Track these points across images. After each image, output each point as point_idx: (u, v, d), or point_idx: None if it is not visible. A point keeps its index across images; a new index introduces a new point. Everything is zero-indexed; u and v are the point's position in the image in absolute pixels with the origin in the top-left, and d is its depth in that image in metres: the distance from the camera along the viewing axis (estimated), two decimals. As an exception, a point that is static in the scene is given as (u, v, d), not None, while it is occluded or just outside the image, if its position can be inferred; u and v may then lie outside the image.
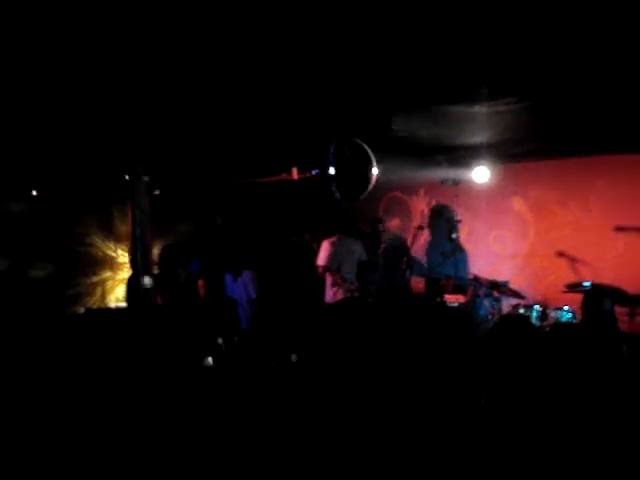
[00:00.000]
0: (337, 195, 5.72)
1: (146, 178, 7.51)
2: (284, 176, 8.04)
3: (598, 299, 7.75)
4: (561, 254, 8.93)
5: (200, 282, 9.02)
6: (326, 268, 9.02)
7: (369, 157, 5.61)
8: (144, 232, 7.54)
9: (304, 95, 5.43)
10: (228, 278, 9.34)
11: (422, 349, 5.18)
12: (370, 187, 5.66)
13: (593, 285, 8.01)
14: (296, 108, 5.74)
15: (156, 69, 4.60)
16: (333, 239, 9.25)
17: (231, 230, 10.58)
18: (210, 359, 5.83)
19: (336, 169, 5.57)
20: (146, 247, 7.55)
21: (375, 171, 5.62)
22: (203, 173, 9.38)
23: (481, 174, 8.63)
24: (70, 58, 3.97)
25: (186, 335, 6.83)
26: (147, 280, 7.04)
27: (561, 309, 7.83)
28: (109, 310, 8.79)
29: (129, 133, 6.50)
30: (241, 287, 9.32)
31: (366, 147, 5.61)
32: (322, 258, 9.06)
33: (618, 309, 8.10)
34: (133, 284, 7.77)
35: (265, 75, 4.93)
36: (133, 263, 7.59)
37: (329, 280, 9.12)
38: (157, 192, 7.63)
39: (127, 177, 7.46)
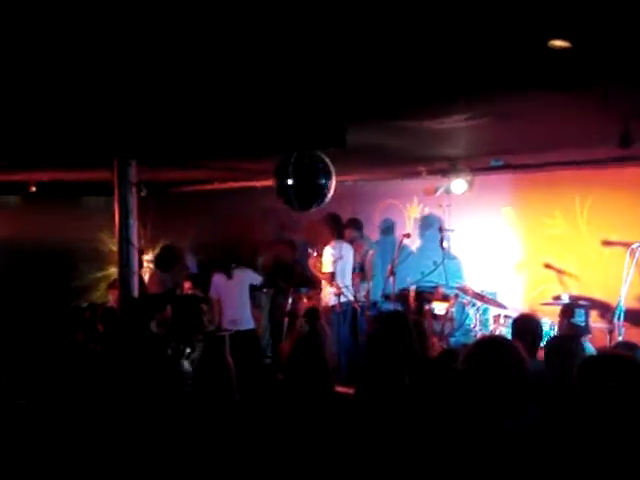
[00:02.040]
0: (295, 204, 5.86)
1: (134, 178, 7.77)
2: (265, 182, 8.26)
3: (570, 313, 7.82)
4: (548, 266, 8.95)
5: (186, 284, 9.25)
6: (333, 275, 9.19)
7: (329, 169, 5.74)
8: (131, 232, 7.80)
9: (267, 105, 5.54)
10: (220, 278, 9.38)
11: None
12: (327, 198, 5.78)
13: (570, 298, 8.06)
14: (258, 118, 5.86)
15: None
16: (334, 245, 9.43)
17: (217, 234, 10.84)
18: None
19: (295, 179, 5.71)
20: (132, 246, 7.80)
21: (333, 183, 5.75)
22: (186, 177, 9.66)
23: (458, 186, 8.69)
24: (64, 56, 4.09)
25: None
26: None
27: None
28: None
29: (118, 132, 6.69)
30: (236, 286, 9.41)
31: (326, 159, 5.73)
32: (329, 265, 9.23)
33: (602, 323, 8.17)
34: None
35: (229, 84, 5.04)
36: (119, 263, 7.83)
37: (330, 286, 9.31)
38: (144, 194, 7.86)
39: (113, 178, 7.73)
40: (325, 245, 9.53)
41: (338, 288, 9.22)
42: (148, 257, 11.40)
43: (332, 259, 9.31)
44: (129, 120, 6.07)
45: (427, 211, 10.06)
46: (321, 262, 9.48)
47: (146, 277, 11.05)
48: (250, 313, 9.44)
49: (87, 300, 11.06)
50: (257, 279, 9.42)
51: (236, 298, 9.34)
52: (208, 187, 10.76)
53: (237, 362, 7.13)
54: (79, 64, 4.21)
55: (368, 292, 9.60)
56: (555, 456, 3.21)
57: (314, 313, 7.88)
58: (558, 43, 3.34)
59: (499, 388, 3.42)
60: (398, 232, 10.05)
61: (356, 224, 9.88)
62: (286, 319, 9.86)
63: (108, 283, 9.89)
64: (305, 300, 9.89)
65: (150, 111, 5.66)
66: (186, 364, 6.18)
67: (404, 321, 5.63)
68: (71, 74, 4.49)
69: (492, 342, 3.88)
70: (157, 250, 11.38)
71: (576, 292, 8.55)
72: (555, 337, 6.60)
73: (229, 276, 9.30)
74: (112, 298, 9.12)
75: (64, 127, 6.43)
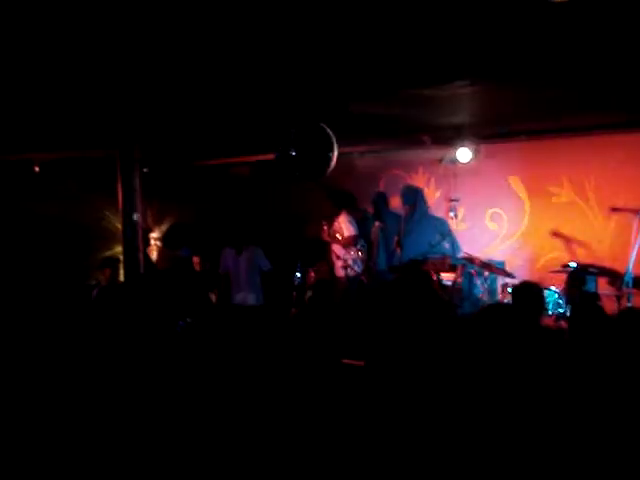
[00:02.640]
0: (297, 175, 5.82)
1: (137, 157, 7.75)
2: (261, 157, 8.21)
3: (580, 279, 7.77)
4: (556, 234, 8.88)
5: (195, 259, 9.25)
6: (357, 237, 9.20)
7: (330, 139, 5.68)
8: (134, 209, 7.78)
9: (269, 77, 5.49)
10: (230, 252, 9.40)
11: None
12: (330, 168, 5.73)
13: (578, 265, 8.01)
14: (262, 90, 5.82)
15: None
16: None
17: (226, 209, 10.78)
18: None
19: (297, 150, 5.66)
20: (135, 223, 7.80)
21: (335, 153, 5.69)
22: (187, 153, 9.59)
23: (464, 154, 8.61)
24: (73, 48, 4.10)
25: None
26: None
27: (548, 289, 7.82)
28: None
29: (122, 113, 6.66)
30: (245, 262, 9.40)
31: (327, 129, 5.67)
32: (353, 229, 9.24)
33: (610, 290, 8.13)
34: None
35: (232, 63, 5.01)
36: (123, 239, 7.84)
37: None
38: (146, 170, 7.84)
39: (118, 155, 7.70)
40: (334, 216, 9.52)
41: (358, 252, 9.24)
42: (155, 235, 11.36)
43: (350, 225, 9.34)
44: (131, 100, 6.05)
45: (433, 181, 9.96)
46: (333, 231, 9.46)
47: (153, 255, 11.03)
48: (259, 290, 9.41)
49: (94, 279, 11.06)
50: (266, 264, 9.39)
51: (244, 274, 9.32)
52: (214, 162, 10.66)
53: (241, 337, 7.17)
54: (84, 46, 4.21)
55: (375, 264, 9.57)
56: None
57: (323, 284, 7.86)
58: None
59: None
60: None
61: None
62: (294, 293, 9.82)
63: (98, 263, 9.78)
64: (312, 274, 9.85)
65: (151, 88, 5.63)
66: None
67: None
68: (80, 54, 4.49)
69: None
70: (164, 227, 11.35)
71: (584, 260, 8.50)
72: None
73: (239, 252, 9.27)
74: (103, 278, 9.07)
75: (69, 106, 6.41)
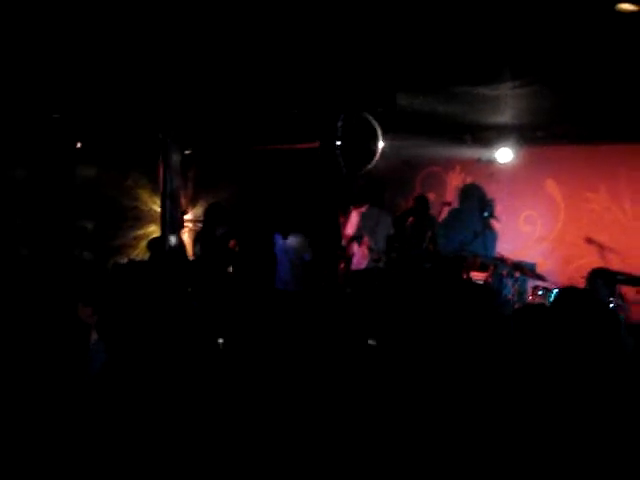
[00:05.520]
0: (342, 166, 5.89)
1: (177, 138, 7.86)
2: (307, 145, 8.27)
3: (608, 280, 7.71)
4: (590, 240, 8.87)
5: (232, 241, 9.31)
6: (352, 237, 9.25)
7: (375, 131, 5.74)
8: (174, 189, 7.90)
9: (317, 68, 5.54)
10: (276, 237, 9.59)
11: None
12: (374, 161, 5.79)
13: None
14: (308, 81, 5.88)
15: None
16: (362, 209, 9.45)
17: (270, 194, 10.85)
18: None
19: (343, 141, 5.72)
20: (176, 204, 7.91)
21: (380, 145, 5.75)
22: (231, 138, 9.65)
23: (504, 155, 8.63)
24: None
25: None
26: (173, 239, 7.19)
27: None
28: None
29: (163, 97, 6.75)
30: (289, 248, 9.55)
31: (373, 121, 5.73)
32: (350, 227, 9.30)
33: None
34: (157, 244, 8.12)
35: (280, 52, 5.06)
36: (162, 219, 7.95)
37: (356, 249, 9.35)
38: (188, 152, 7.94)
39: (160, 135, 7.81)
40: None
41: (372, 252, 9.28)
42: (188, 216, 11.48)
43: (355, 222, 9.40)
44: (175, 88, 6.14)
45: (469, 180, 9.99)
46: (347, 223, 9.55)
47: (185, 237, 11.14)
48: (301, 276, 9.53)
49: (127, 257, 11.20)
50: (307, 254, 9.49)
51: (287, 260, 9.46)
52: (257, 148, 10.72)
53: (283, 321, 7.26)
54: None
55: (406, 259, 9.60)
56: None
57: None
58: (626, 7, 3.29)
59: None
60: (439, 200, 9.97)
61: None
62: (323, 284, 9.92)
63: (148, 241, 9.98)
64: (342, 265, 9.92)
65: (203, 71, 5.70)
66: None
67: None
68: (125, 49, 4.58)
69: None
70: (204, 208, 11.45)
71: (617, 267, 8.48)
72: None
73: (285, 237, 9.41)
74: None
75: (117, 93, 6.52)
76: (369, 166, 5.81)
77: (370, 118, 5.68)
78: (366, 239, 9.30)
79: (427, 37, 4.84)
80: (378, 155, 5.73)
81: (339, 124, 5.71)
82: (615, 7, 3.31)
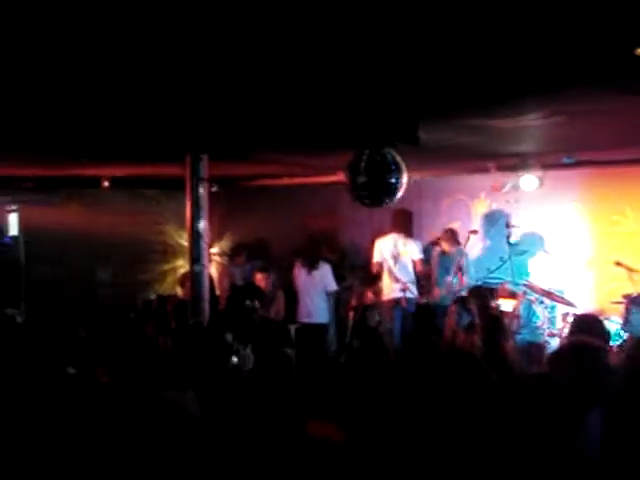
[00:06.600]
0: (366, 201, 5.93)
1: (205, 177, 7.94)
2: (333, 178, 8.34)
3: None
4: (619, 264, 8.79)
5: (258, 276, 9.31)
6: (378, 265, 9.33)
7: (399, 166, 5.77)
8: (202, 226, 7.96)
9: (340, 101, 5.59)
10: (299, 271, 9.63)
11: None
12: (399, 195, 5.82)
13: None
14: (334, 117, 5.94)
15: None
16: (386, 238, 9.54)
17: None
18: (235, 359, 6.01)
19: (366, 177, 5.76)
20: (203, 240, 7.97)
21: (405, 180, 5.78)
22: (255, 174, 9.77)
23: (529, 181, 8.62)
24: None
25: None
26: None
27: (609, 319, 7.74)
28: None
29: (190, 127, 6.83)
30: (316, 279, 9.59)
31: (397, 156, 5.76)
32: (375, 256, 9.40)
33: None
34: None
35: (302, 80, 5.08)
36: (190, 257, 8.00)
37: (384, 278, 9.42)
38: (215, 189, 8.02)
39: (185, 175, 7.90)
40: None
41: (399, 282, 9.33)
42: (215, 250, 11.58)
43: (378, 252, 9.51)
44: (201, 115, 6.19)
45: (494, 207, 9.98)
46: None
47: (212, 271, 11.21)
48: (325, 307, 9.59)
49: (155, 292, 11.32)
50: (332, 285, 9.55)
51: (312, 291, 9.51)
52: (277, 182, 10.86)
53: (304, 354, 7.26)
54: (152, 61, 4.31)
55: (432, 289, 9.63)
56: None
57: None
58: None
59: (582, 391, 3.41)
60: (464, 228, 9.97)
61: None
62: (351, 313, 9.91)
63: (178, 278, 10.08)
64: (370, 295, 9.94)
65: (222, 106, 5.75)
66: (234, 359, 6.15)
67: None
68: (145, 71, 4.60)
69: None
70: (224, 244, 11.55)
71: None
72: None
73: (309, 270, 9.48)
74: (182, 292, 9.28)
75: (138, 123, 6.59)
76: (393, 200, 5.83)
77: (394, 153, 5.70)
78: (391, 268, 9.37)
79: (451, 74, 4.87)
80: (402, 189, 5.75)
81: (363, 160, 5.75)
82: (635, 52, 3.34)
